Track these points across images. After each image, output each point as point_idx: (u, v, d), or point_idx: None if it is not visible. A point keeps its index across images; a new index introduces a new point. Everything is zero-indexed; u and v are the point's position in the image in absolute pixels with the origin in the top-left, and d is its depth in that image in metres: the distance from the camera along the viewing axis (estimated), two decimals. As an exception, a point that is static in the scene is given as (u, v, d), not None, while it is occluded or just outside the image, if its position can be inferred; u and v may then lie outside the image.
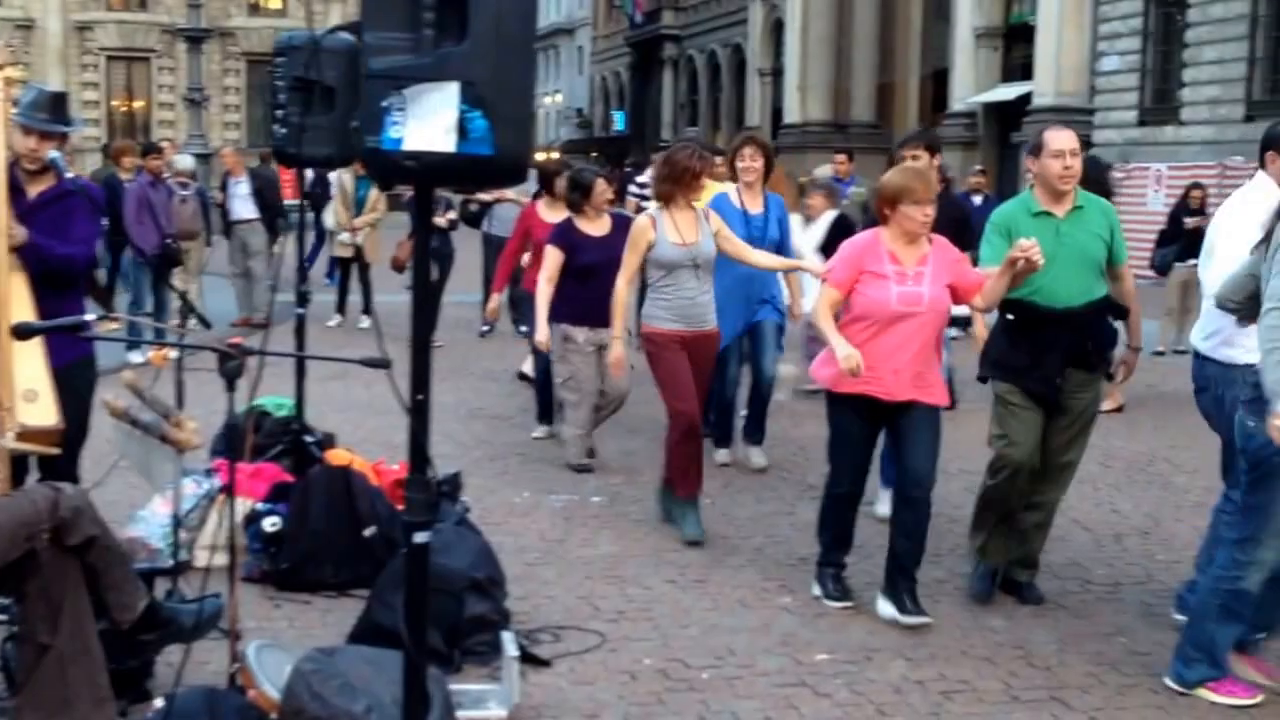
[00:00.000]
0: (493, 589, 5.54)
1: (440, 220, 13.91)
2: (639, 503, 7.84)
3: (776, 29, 49.95)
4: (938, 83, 40.15)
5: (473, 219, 14.36)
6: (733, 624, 5.84)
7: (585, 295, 8.32)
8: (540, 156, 26.21)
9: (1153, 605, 6.12)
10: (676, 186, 7.14)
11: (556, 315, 8.48)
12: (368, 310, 14.76)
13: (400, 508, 6.01)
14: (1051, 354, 5.82)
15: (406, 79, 2.74)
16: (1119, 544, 7.20)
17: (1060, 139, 5.83)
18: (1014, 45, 35.51)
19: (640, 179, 14.37)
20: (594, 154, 60.72)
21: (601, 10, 73.55)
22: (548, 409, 9.70)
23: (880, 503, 7.32)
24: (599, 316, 8.02)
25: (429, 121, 2.71)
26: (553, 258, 8.47)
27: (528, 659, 5.24)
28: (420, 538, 3.29)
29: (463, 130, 2.74)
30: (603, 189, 8.62)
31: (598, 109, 74.95)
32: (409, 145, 2.77)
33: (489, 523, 6.97)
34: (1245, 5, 27.06)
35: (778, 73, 49.42)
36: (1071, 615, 5.98)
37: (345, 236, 14.85)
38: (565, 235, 8.55)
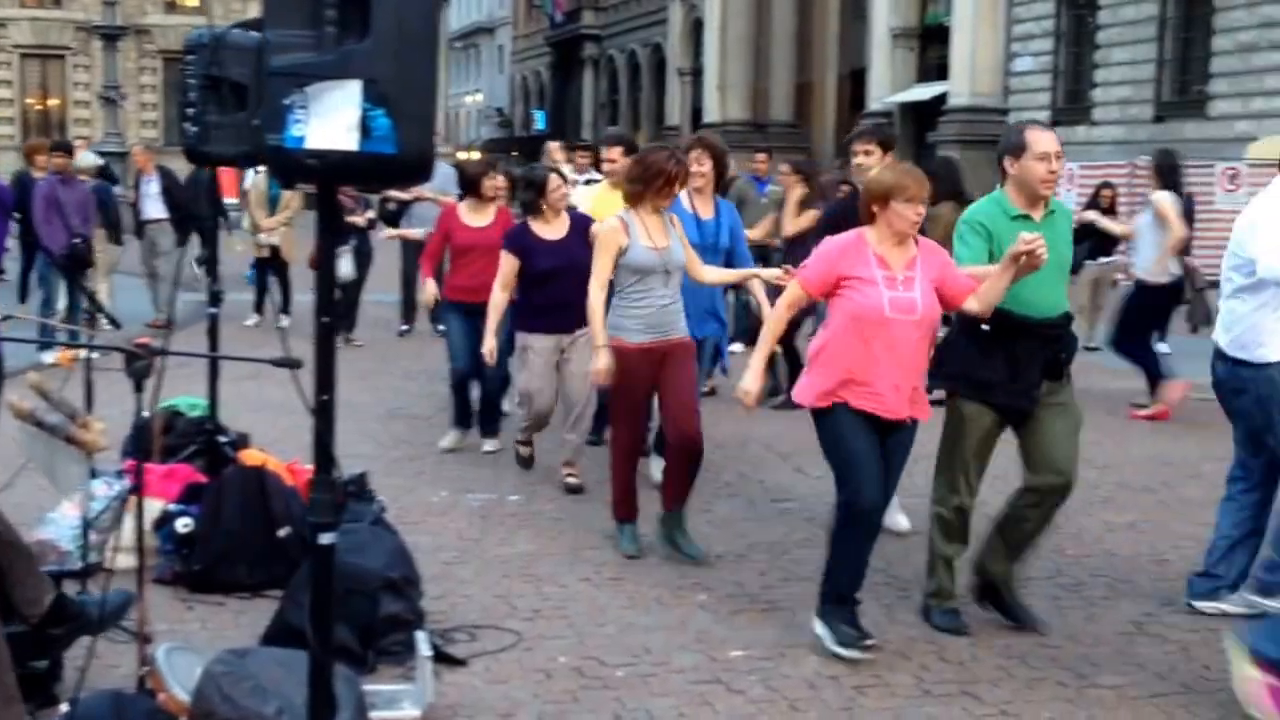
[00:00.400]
0: (408, 588, 5.51)
1: (358, 219, 13.86)
2: (556, 501, 7.85)
3: (696, 29, 50.13)
4: (855, 82, 40.50)
5: (391, 218, 14.29)
6: (648, 622, 5.86)
7: (543, 302, 7.94)
8: (462, 156, 26.11)
9: (1060, 599, 6.21)
10: (647, 189, 6.73)
11: (515, 324, 8.21)
12: (286, 310, 14.64)
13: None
14: (1030, 367, 5.56)
15: (308, 76, 2.72)
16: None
17: (1045, 140, 5.53)
18: (930, 46, 35.89)
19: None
20: (514, 153, 60.56)
21: (522, 9, 73.42)
22: (465, 415, 9.37)
23: None
24: (558, 323, 7.86)
25: (331, 119, 2.70)
26: (507, 264, 8.00)
27: (442, 658, 5.22)
28: (325, 539, 3.27)
29: (365, 129, 2.73)
30: (557, 185, 8.10)
31: (518, 108, 74.78)
32: (311, 143, 2.75)
33: (406, 522, 6.94)
34: (1155, 7, 27.55)
35: (697, 72, 49.59)
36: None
37: (261, 237, 14.72)
38: (519, 240, 8.07)
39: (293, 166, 2.83)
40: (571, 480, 8.11)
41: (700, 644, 5.59)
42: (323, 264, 3.09)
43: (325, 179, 2.93)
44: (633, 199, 6.81)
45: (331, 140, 2.73)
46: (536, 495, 8.00)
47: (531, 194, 8.06)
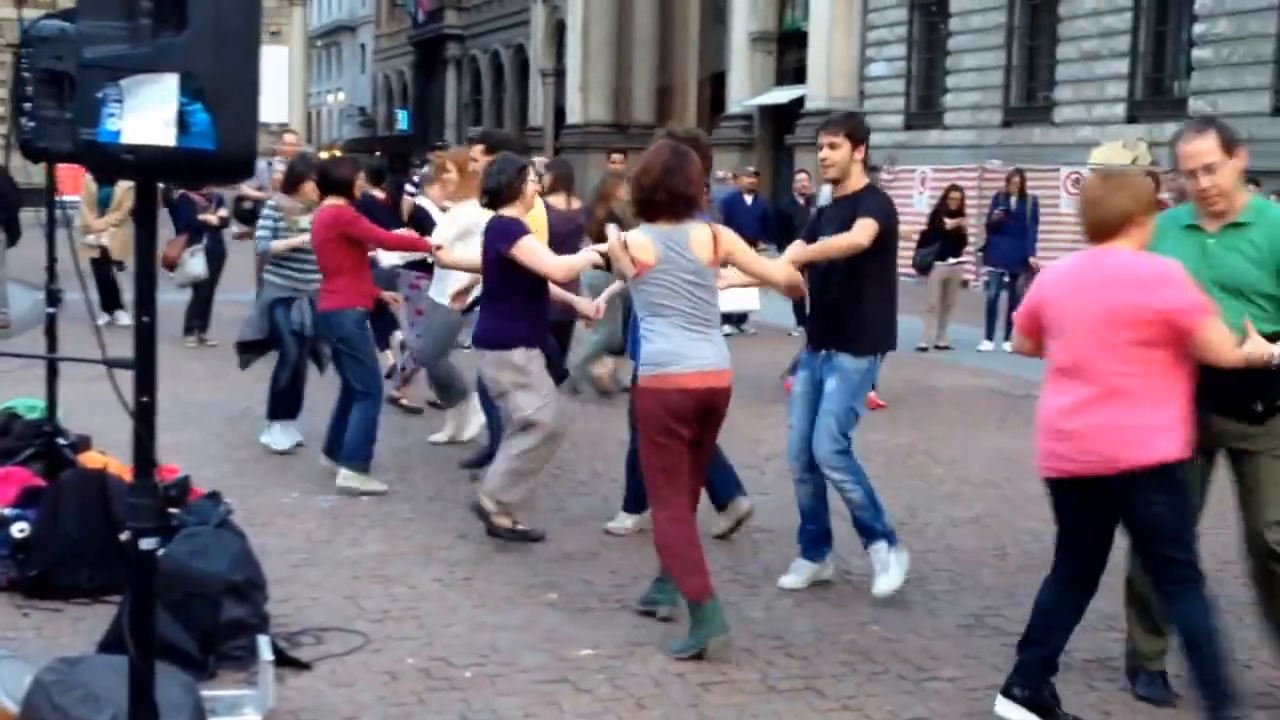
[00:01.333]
0: (251, 592, 5.43)
1: (211, 218, 13.64)
2: (409, 501, 7.79)
3: (558, 30, 50.13)
4: (716, 85, 40.80)
5: (246, 216, 14.05)
6: (498, 621, 5.85)
7: (541, 309, 7.06)
8: (324, 155, 25.73)
9: (904, 593, 6.30)
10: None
11: (503, 337, 6.94)
12: (111, 309, 14.55)
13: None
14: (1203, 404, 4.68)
15: (123, 69, 2.67)
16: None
17: (1183, 154, 4.89)
18: (787, 50, 36.30)
19: (417, 177, 14.27)
20: (377, 152, 59.97)
21: (384, 8, 72.78)
22: (336, 446, 8.29)
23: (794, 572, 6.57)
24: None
25: (147, 114, 2.64)
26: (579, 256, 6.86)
27: (287, 662, 5.17)
28: (146, 544, 3.19)
29: (183, 124, 2.68)
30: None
31: (381, 108, 74.14)
32: (127, 138, 2.69)
33: (255, 524, 6.86)
34: (1002, 15, 28.19)
35: (560, 73, 49.60)
36: (829, 606, 6.14)
37: (90, 238, 14.37)
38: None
39: (108, 162, 2.76)
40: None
41: (549, 643, 5.59)
42: (142, 261, 3.02)
43: (142, 175, 2.86)
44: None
45: (148, 135, 2.67)
46: (390, 495, 7.93)
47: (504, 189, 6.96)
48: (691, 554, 5.53)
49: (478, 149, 8.71)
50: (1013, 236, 15.55)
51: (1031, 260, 14.73)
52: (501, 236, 6.74)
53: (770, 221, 17.37)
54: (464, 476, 8.31)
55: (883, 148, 29.22)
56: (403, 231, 9.08)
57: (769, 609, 6.08)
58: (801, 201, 16.99)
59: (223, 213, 13.85)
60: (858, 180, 6.29)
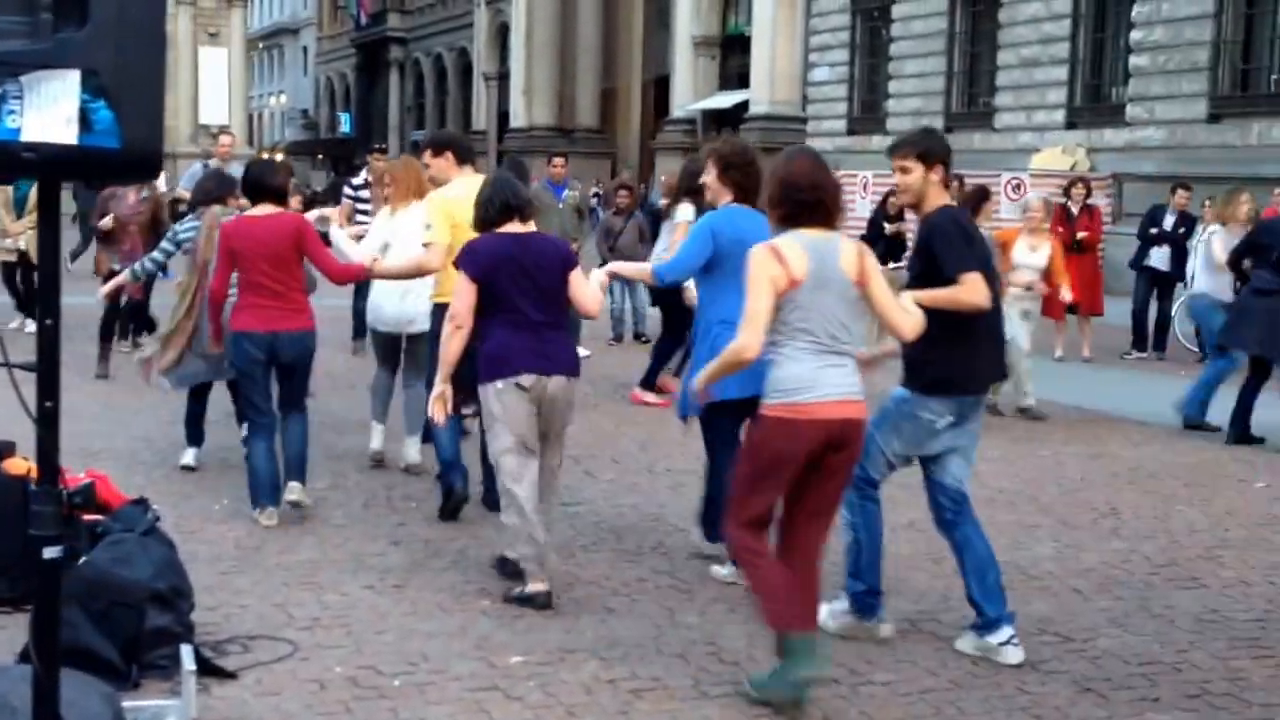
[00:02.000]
0: (176, 600, 5.34)
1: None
2: (342, 508, 7.70)
3: (502, 33, 50.07)
4: (659, 89, 40.92)
5: (182, 219, 13.89)
6: (429, 629, 5.78)
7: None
8: (266, 157, 25.52)
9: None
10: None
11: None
12: (30, 314, 14.27)
13: (86, 518, 5.79)
14: None
15: (23, 65, 2.59)
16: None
17: None
18: (731, 54, 36.44)
19: (355, 181, 14.12)
20: (320, 156, 59.75)
21: (326, 10, 72.39)
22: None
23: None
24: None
25: (48, 111, 2.57)
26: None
27: (212, 671, 5.09)
28: (50, 553, 3.10)
29: (85, 121, 2.61)
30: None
31: (323, 110, 73.75)
32: (27, 136, 2.62)
33: (184, 531, 6.78)
34: (944, 22, 28.40)
35: (503, 77, 49.52)
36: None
37: (8, 242, 14.13)
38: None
39: (8, 161, 2.68)
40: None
41: (480, 650, 5.53)
42: (45, 263, 2.94)
43: (44, 174, 2.78)
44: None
45: (49, 133, 2.59)
46: (324, 501, 7.83)
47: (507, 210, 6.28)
48: (787, 579, 5.08)
49: (427, 154, 8.55)
50: None
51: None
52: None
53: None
54: (398, 483, 8.22)
55: (826, 153, 29.39)
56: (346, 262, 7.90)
57: (703, 614, 6.04)
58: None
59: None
60: (935, 202, 5.60)
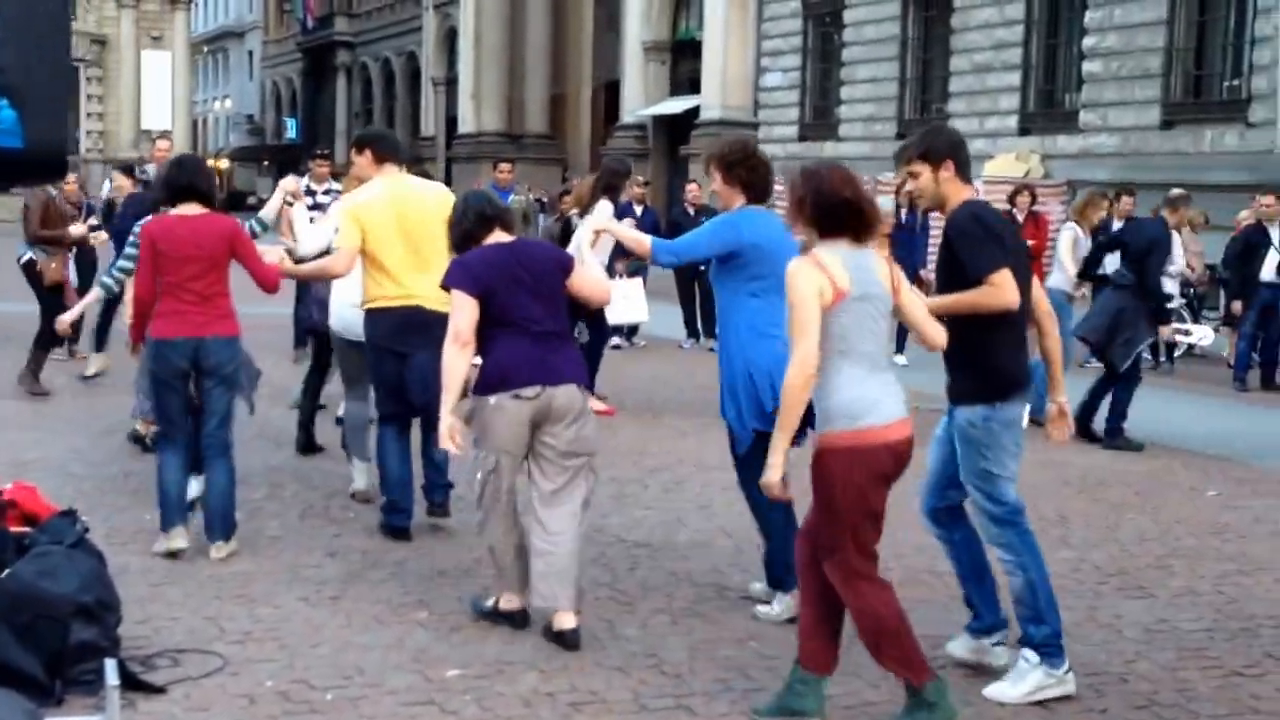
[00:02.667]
0: (103, 614, 5.20)
1: (80, 227, 13.20)
2: (278, 518, 7.54)
3: (450, 38, 49.86)
4: (610, 94, 40.81)
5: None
6: (365, 641, 5.64)
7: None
8: (211, 163, 25.24)
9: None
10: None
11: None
12: None
13: (13, 530, 5.62)
14: None
15: (-81, 62, 2.45)
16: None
17: None
18: (682, 59, 36.37)
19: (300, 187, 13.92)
20: (265, 162, 59.31)
21: (272, 14, 71.87)
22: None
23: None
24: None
25: (-56, 108, 2.43)
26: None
27: (139, 686, 4.96)
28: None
29: (-14, 120, 2.47)
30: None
31: (270, 115, 73.23)
32: (-76, 134, 2.49)
33: (115, 543, 6.66)
34: (896, 27, 28.44)
35: (452, 82, 49.31)
36: (706, 622, 5.99)
37: None
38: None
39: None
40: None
41: (416, 663, 5.41)
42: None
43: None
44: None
45: (-54, 131, 2.46)
46: (259, 512, 7.67)
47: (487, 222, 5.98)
48: (907, 628, 4.79)
49: (352, 152, 8.37)
50: (902, 248, 15.58)
51: (922, 273, 14.76)
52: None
53: (660, 233, 17.16)
54: (337, 493, 8.05)
55: (777, 159, 29.40)
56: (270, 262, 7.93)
57: (644, 626, 5.93)
58: (692, 212, 16.90)
59: (93, 220, 13.42)
60: (956, 199, 5.33)
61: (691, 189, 17.76)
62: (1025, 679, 5.20)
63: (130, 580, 5.99)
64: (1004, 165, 24.06)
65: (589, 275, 6.12)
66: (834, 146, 29.45)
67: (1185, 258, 13.87)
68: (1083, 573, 6.94)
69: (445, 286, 5.72)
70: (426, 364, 6.47)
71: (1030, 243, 14.84)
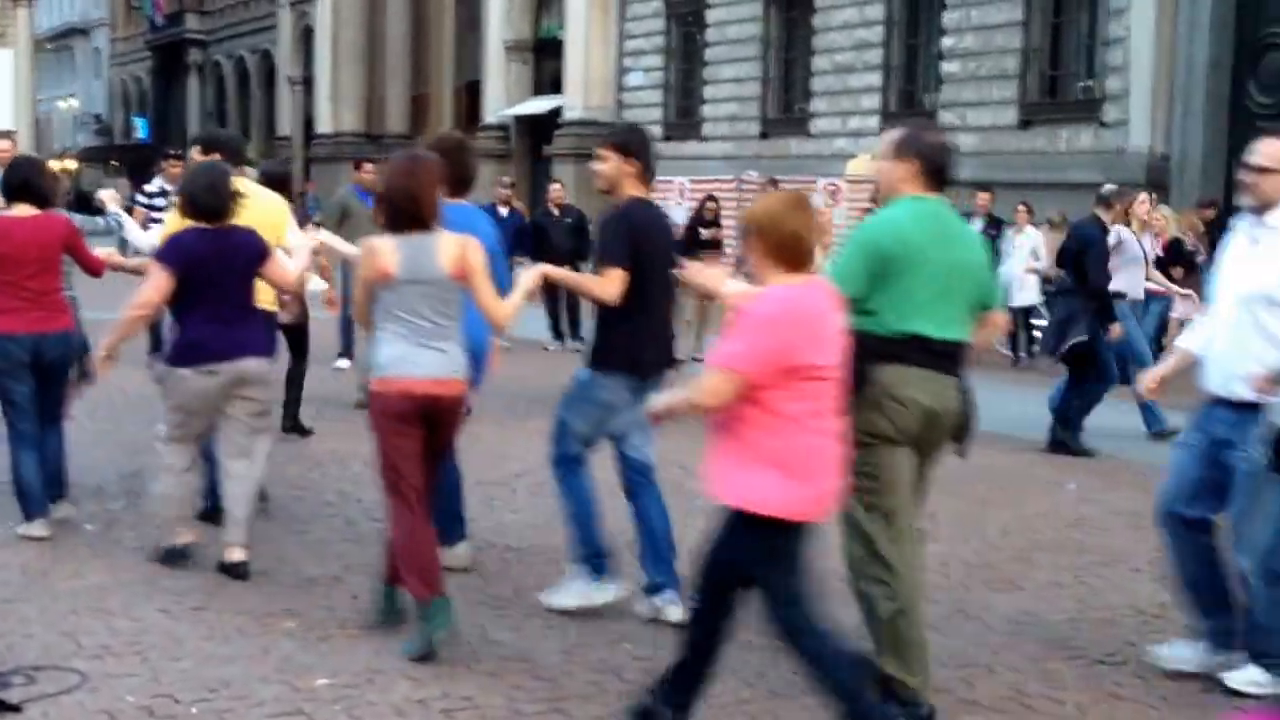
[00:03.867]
0: (-48, 632, 5.04)
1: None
2: (136, 529, 7.31)
3: (307, 36, 49.06)
4: (471, 94, 40.44)
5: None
6: (229, 653, 5.50)
7: None
8: (54, 165, 24.42)
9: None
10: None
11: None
12: None
13: None
14: None
15: None
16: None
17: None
18: (544, 59, 36.17)
19: (150, 188, 13.53)
20: (114, 162, 57.80)
21: (120, 11, 70.10)
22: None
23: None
24: None
25: None
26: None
27: (-10, 707, 4.76)
28: None
29: None
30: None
31: (118, 115, 71.44)
32: None
33: (-40, 561, 6.40)
34: (757, 27, 28.60)
35: (309, 81, 48.55)
36: (580, 624, 5.94)
37: None
38: None
39: None
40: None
41: (283, 674, 5.28)
42: None
43: None
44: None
45: None
46: (116, 523, 7.47)
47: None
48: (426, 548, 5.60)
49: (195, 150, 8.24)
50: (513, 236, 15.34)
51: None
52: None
53: (526, 234, 16.89)
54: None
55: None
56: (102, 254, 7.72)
57: (517, 630, 5.87)
58: (555, 213, 16.82)
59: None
60: (626, 193, 5.99)
61: (555, 190, 17.66)
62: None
63: (-20, 596, 5.80)
64: (865, 165, 24.33)
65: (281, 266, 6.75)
66: (697, 146, 29.58)
67: (1155, 248, 13.06)
68: (950, 567, 7.03)
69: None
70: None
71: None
